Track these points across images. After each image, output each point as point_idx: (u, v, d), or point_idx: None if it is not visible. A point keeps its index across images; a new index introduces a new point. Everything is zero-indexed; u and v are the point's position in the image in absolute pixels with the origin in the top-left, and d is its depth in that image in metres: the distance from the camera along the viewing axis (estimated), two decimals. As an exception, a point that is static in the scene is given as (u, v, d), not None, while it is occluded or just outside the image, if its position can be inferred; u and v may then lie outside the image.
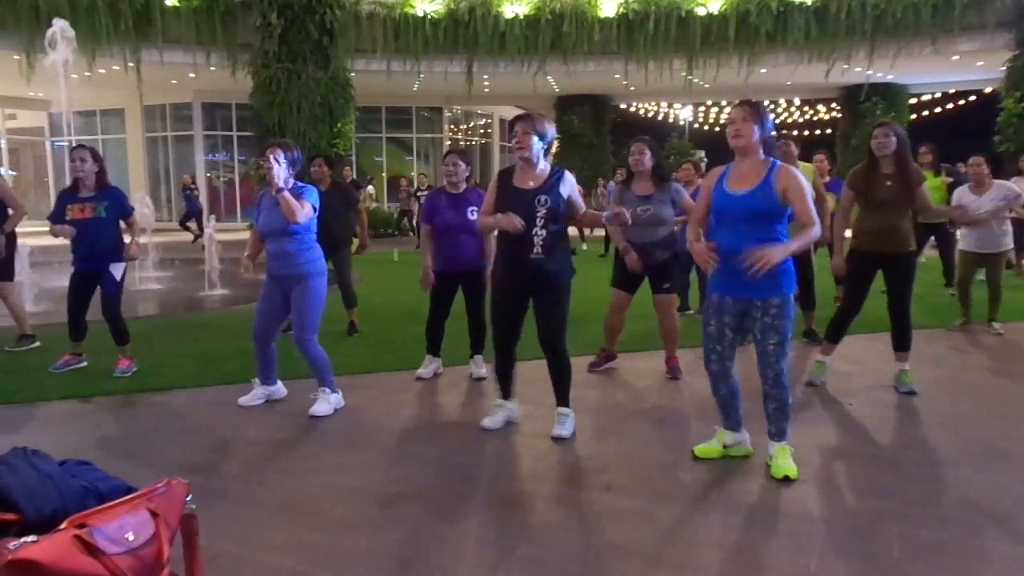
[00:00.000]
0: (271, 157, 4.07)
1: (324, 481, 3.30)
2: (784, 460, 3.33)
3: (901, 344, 4.63)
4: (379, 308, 7.71)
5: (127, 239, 5.21)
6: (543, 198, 3.59)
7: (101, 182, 5.05)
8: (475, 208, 4.81)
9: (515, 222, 3.52)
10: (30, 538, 1.57)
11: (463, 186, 4.89)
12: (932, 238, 8.10)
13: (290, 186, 4.14)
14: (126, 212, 5.12)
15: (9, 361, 5.51)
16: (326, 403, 4.28)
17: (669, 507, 3.02)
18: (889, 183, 4.42)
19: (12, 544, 1.54)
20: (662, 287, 4.88)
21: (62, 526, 1.65)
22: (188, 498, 1.95)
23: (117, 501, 1.79)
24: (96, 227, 4.98)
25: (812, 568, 2.53)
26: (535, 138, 3.60)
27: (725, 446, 3.52)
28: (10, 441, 3.25)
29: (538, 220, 3.59)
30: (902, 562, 2.57)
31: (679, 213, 4.89)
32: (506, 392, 3.93)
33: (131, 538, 1.72)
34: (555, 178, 3.66)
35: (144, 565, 1.72)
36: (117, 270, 5.07)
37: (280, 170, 4.09)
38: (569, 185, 3.71)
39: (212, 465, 3.50)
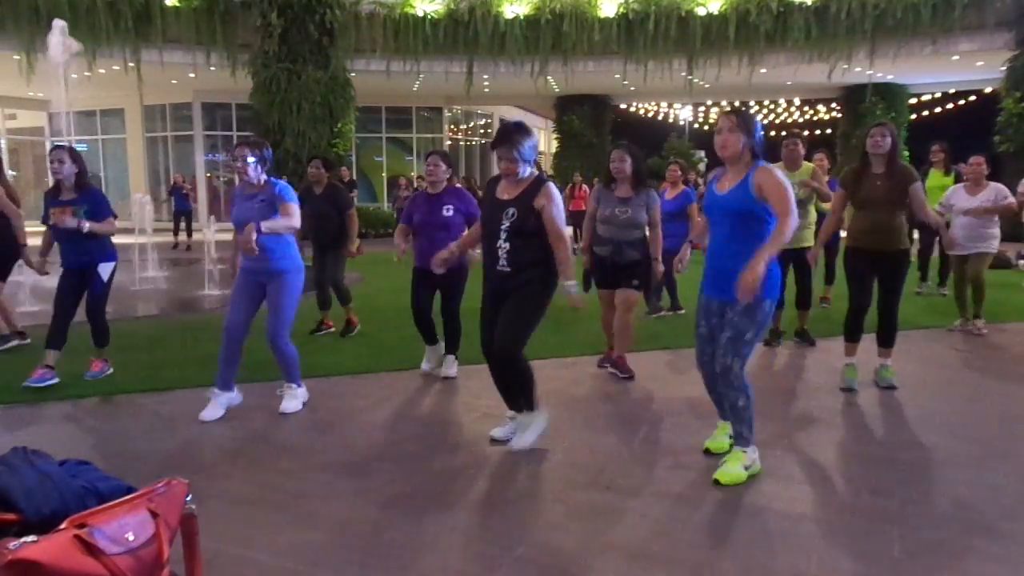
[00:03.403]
0: (240, 158, 4.11)
1: (324, 481, 3.30)
2: (731, 464, 3.27)
3: (885, 340, 4.71)
4: (379, 308, 7.71)
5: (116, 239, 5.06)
6: (511, 211, 3.49)
7: (81, 183, 4.84)
8: (450, 206, 4.87)
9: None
10: (30, 538, 1.57)
11: (442, 186, 4.93)
12: (937, 237, 8.11)
13: (262, 181, 4.16)
14: (103, 214, 4.84)
15: (9, 361, 5.51)
16: (294, 399, 4.32)
17: (669, 507, 3.02)
18: (879, 183, 4.52)
19: (12, 544, 1.54)
20: (630, 283, 4.95)
21: (62, 526, 1.65)
22: (188, 498, 1.95)
23: (117, 501, 1.79)
24: (78, 231, 4.76)
25: (812, 568, 2.53)
26: (520, 162, 3.50)
27: (731, 436, 3.52)
28: (10, 441, 3.25)
29: (502, 232, 3.50)
30: (902, 562, 2.57)
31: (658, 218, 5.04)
32: (508, 403, 3.81)
33: (131, 538, 1.71)
34: (530, 190, 3.51)
35: (144, 565, 1.72)
36: (105, 271, 4.90)
37: (251, 169, 4.12)
38: (544, 197, 3.49)
39: (212, 465, 3.50)
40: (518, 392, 3.68)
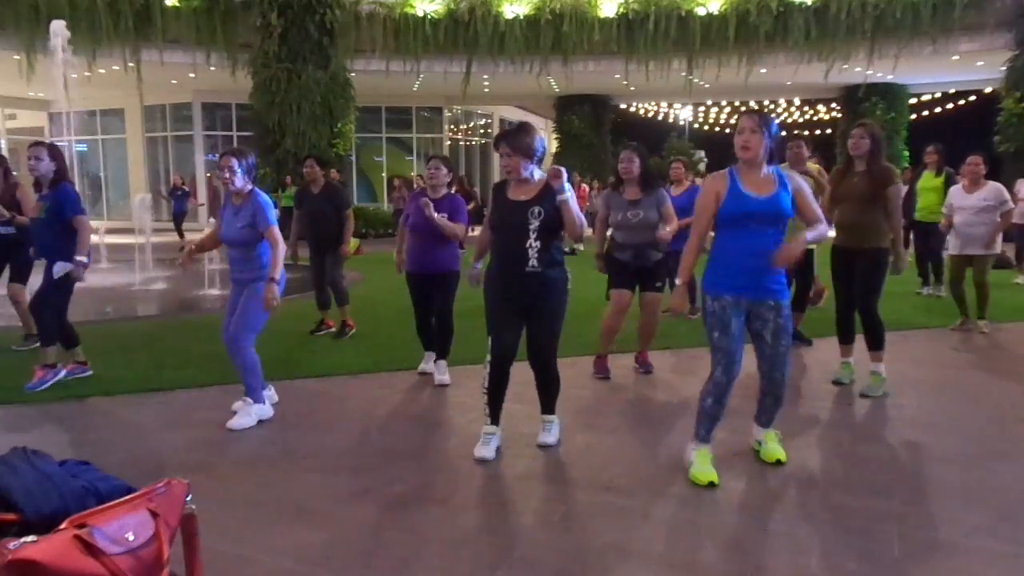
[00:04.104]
0: (226, 168, 4.08)
1: (324, 481, 3.30)
2: (775, 444, 3.53)
3: (872, 343, 4.63)
4: (379, 308, 7.71)
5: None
6: (536, 210, 3.50)
7: (55, 181, 4.78)
8: (444, 214, 4.79)
9: None
10: (30, 538, 1.57)
11: (443, 191, 4.94)
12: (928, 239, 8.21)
13: (248, 190, 4.14)
14: (64, 213, 4.71)
15: (12, 361, 5.51)
16: (247, 416, 4.07)
17: (669, 507, 3.02)
18: (856, 180, 4.59)
19: (12, 544, 1.54)
20: (653, 285, 5.03)
21: (62, 526, 1.65)
22: (188, 498, 1.95)
23: (117, 501, 1.79)
24: (39, 227, 4.78)
25: (812, 568, 2.53)
26: (521, 159, 3.52)
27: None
28: (10, 441, 3.25)
29: (531, 233, 3.50)
30: (902, 562, 2.57)
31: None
32: (495, 417, 3.71)
33: (131, 538, 1.71)
34: (549, 189, 3.52)
35: (144, 565, 1.72)
36: (59, 269, 4.74)
37: (238, 179, 4.10)
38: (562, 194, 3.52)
39: (212, 465, 3.50)
40: (552, 395, 3.79)
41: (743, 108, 25.61)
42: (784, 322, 3.32)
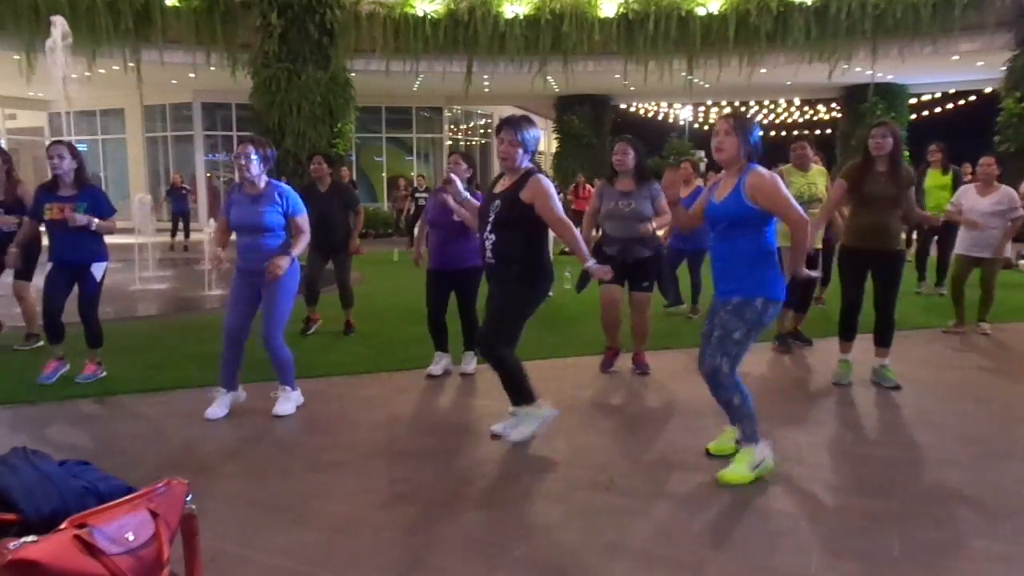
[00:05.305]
0: (243, 155, 4.13)
1: (324, 481, 3.30)
2: (738, 465, 3.24)
3: (882, 340, 4.71)
4: (379, 308, 7.71)
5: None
6: (496, 203, 3.58)
7: (81, 179, 4.82)
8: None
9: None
10: (30, 538, 1.57)
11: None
12: (935, 236, 8.20)
13: (263, 183, 4.18)
14: (104, 212, 4.82)
15: (12, 361, 5.51)
16: (288, 402, 4.30)
17: (668, 507, 3.02)
18: (883, 180, 4.53)
19: (12, 544, 1.54)
20: (641, 285, 4.97)
21: (62, 526, 1.65)
22: (188, 498, 1.95)
23: (117, 501, 1.79)
24: (73, 228, 4.74)
25: (812, 568, 2.53)
26: (519, 148, 3.56)
27: (737, 441, 3.49)
28: (10, 441, 3.25)
29: (488, 224, 3.60)
30: (902, 562, 2.57)
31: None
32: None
33: (131, 538, 1.71)
34: (519, 183, 3.55)
35: (144, 565, 1.72)
36: (98, 270, 4.87)
37: (254, 166, 4.14)
38: (531, 191, 3.51)
39: (212, 465, 3.50)
40: (506, 387, 3.71)
41: (743, 108, 25.62)
42: (724, 315, 3.24)
